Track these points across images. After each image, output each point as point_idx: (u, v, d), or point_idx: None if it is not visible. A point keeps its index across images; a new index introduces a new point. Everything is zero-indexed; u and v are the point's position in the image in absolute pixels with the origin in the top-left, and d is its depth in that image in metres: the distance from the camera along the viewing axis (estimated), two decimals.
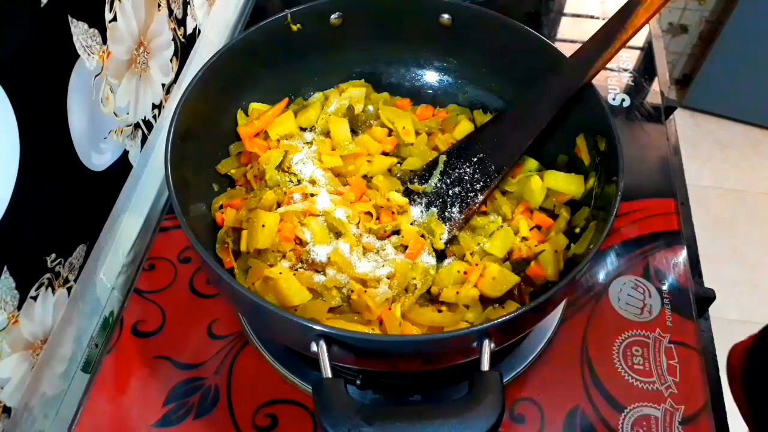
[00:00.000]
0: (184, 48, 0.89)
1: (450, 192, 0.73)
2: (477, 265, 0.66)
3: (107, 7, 0.67)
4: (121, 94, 0.73)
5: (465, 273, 0.65)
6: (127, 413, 0.67)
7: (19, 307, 0.59)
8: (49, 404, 0.68)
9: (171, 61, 0.85)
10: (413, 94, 0.85)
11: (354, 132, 0.79)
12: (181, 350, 0.71)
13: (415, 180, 0.75)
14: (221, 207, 0.71)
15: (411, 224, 0.71)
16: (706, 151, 2.20)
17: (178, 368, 0.70)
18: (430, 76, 0.85)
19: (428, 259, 0.68)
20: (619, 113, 0.95)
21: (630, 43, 0.68)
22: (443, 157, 0.75)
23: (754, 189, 2.10)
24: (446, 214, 0.71)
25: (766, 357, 0.72)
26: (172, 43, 0.85)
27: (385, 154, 0.78)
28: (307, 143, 0.77)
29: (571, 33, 1.12)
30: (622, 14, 0.64)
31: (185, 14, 0.89)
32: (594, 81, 0.67)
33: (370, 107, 0.82)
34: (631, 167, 0.84)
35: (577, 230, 0.68)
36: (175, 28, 0.85)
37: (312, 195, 0.70)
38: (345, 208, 0.69)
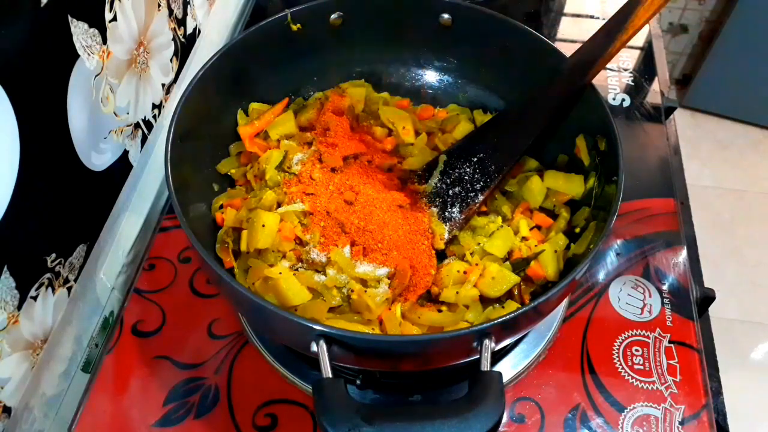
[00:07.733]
0: (184, 48, 0.89)
1: (450, 192, 0.73)
2: (477, 265, 0.66)
3: (107, 7, 0.67)
4: (121, 94, 0.73)
5: (465, 273, 0.65)
6: (127, 413, 0.67)
7: (19, 307, 0.59)
8: (49, 404, 0.68)
9: (171, 61, 0.85)
10: (413, 94, 0.85)
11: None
12: (181, 350, 0.71)
13: (415, 180, 0.75)
14: (221, 207, 0.71)
15: None
16: (706, 151, 2.20)
17: (178, 368, 0.70)
18: (430, 76, 0.85)
19: None
20: (619, 113, 0.95)
21: (630, 43, 0.68)
22: (443, 157, 0.75)
23: (754, 189, 2.10)
24: (446, 214, 0.71)
25: None
26: (172, 43, 0.85)
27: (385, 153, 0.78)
28: (307, 143, 0.77)
29: (571, 33, 1.12)
30: (622, 14, 0.64)
31: (185, 14, 0.89)
32: (594, 81, 0.67)
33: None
34: (631, 167, 0.84)
35: (577, 230, 0.68)
36: (175, 28, 0.85)
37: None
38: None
